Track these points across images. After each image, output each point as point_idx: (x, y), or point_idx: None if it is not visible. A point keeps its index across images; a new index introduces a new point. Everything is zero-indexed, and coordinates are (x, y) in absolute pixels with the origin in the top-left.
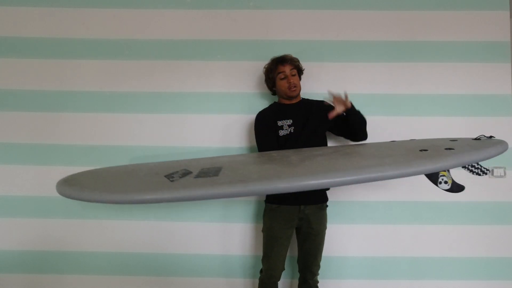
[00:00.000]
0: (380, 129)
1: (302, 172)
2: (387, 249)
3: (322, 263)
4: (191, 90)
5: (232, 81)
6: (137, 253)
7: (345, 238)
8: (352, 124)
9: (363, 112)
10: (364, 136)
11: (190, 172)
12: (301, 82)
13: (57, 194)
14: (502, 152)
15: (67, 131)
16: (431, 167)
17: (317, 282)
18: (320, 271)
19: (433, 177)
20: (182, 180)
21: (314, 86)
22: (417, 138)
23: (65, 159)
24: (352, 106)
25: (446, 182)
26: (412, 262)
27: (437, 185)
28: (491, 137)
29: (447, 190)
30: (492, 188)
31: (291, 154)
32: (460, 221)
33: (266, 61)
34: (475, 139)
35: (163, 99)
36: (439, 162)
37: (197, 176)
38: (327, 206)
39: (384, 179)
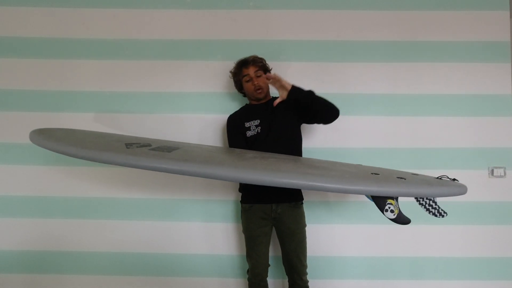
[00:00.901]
0: (380, 129)
1: (244, 165)
2: (387, 249)
3: (322, 263)
4: (191, 90)
5: (233, 81)
6: (137, 253)
7: (345, 238)
8: (306, 106)
9: (364, 112)
10: (329, 112)
11: (149, 145)
12: (301, 82)
13: (57, 194)
14: (455, 194)
15: None
16: (374, 189)
17: (307, 282)
18: (321, 272)
19: (380, 204)
20: (137, 149)
21: (314, 86)
22: (416, 138)
23: (65, 159)
24: (294, 87)
25: (392, 211)
26: (412, 262)
27: (383, 212)
28: (454, 179)
29: (392, 220)
30: (492, 188)
31: (251, 153)
32: (460, 221)
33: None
34: (437, 178)
35: (163, 99)
36: (382, 186)
37: (152, 149)
38: (301, 204)
39: (322, 190)
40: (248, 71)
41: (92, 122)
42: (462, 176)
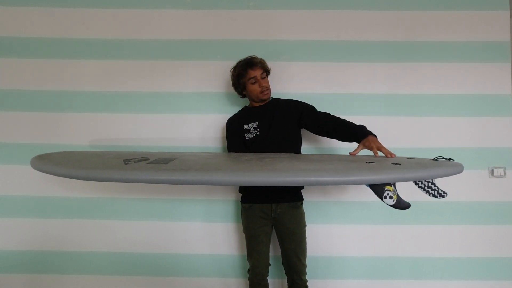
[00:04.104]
0: (380, 129)
1: (240, 168)
2: (387, 249)
3: (322, 263)
4: (191, 90)
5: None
6: (137, 253)
7: (345, 238)
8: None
9: (364, 112)
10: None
11: (147, 159)
12: (301, 82)
13: (57, 194)
14: (452, 174)
15: (67, 131)
16: (369, 178)
17: (306, 282)
18: (321, 272)
19: (378, 191)
20: (135, 164)
21: (313, 86)
22: (416, 138)
23: None
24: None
25: (391, 198)
26: (412, 262)
27: (382, 199)
28: (449, 159)
29: (392, 206)
30: (492, 188)
31: (247, 155)
32: (460, 221)
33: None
34: (433, 159)
35: (163, 99)
36: (378, 174)
37: (150, 162)
38: (301, 204)
39: (319, 184)
40: (255, 73)
41: (92, 122)
42: (462, 176)
